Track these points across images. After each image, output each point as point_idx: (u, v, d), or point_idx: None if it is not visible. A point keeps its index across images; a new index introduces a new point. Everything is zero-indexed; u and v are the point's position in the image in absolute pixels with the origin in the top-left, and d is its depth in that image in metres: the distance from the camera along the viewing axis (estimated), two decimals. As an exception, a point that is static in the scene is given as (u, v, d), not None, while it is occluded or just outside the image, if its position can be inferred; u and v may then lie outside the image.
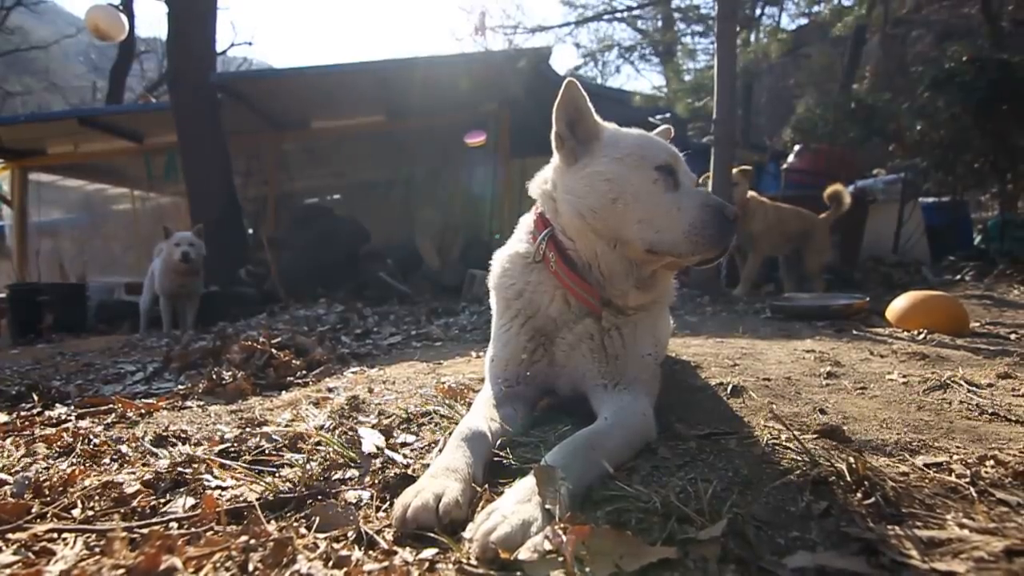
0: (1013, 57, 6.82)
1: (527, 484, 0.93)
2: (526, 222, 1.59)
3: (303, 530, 0.92)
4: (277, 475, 1.20)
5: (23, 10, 21.94)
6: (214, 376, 2.30)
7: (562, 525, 0.81)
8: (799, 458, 1.11)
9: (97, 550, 0.90)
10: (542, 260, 1.46)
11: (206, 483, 1.16)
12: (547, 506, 0.87)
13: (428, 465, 1.10)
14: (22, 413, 1.94)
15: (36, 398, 2.18)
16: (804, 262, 5.23)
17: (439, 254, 8.02)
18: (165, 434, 1.52)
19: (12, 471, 1.29)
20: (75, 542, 0.93)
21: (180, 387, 2.33)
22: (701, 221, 1.30)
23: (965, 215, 8.18)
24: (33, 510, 1.04)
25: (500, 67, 7.54)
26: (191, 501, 1.08)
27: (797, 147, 7.32)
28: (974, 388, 1.67)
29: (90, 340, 4.98)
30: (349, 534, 0.91)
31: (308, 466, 1.21)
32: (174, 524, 0.98)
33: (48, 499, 1.10)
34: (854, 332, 2.90)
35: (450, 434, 1.23)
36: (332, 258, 6.95)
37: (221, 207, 7.14)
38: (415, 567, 0.81)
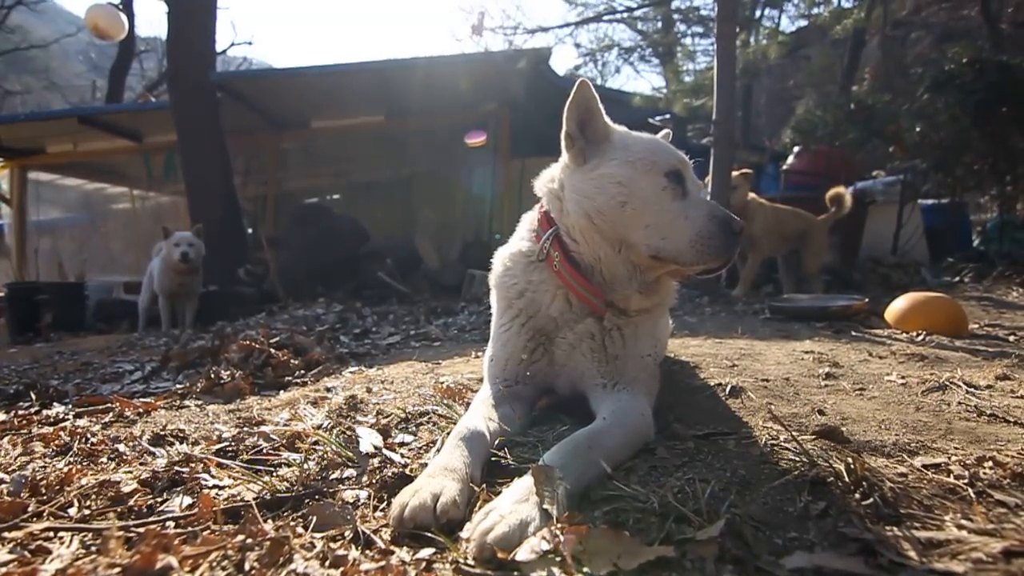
0: (1012, 59, 6.82)
1: (525, 484, 0.93)
2: (529, 220, 1.58)
3: (300, 529, 0.92)
4: (274, 474, 1.19)
5: (23, 9, 21.91)
6: (212, 375, 2.30)
7: (560, 525, 0.81)
8: (797, 459, 1.11)
9: (93, 549, 0.89)
10: (545, 259, 1.46)
11: (203, 482, 1.16)
12: (545, 506, 0.87)
13: (426, 465, 1.10)
14: (20, 412, 1.93)
15: (34, 397, 2.18)
16: (802, 263, 5.23)
17: (438, 254, 8.01)
18: (163, 433, 1.52)
19: (9, 470, 1.29)
20: (71, 541, 0.92)
21: (178, 386, 2.33)
22: (708, 232, 1.30)
23: (964, 217, 8.20)
24: (30, 509, 1.04)
25: (500, 67, 7.55)
26: (188, 500, 1.08)
27: (796, 148, 7.32)
28: (973, 389, 1.67)
29: (88, 339, 4.97)
30: (346, 533, 0.90)
31: (306, 465, 1.21)
32: (170, 523, 0.98)
33: (45, 498, 1.10)
34: (853, 333, 2.90)
35: (448, 434, 1.23)
36: (331, 258, 6.95)
37: (220, 207, 7.14)
38: (412, 567, 0.80)
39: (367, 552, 0.86)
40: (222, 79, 7.88)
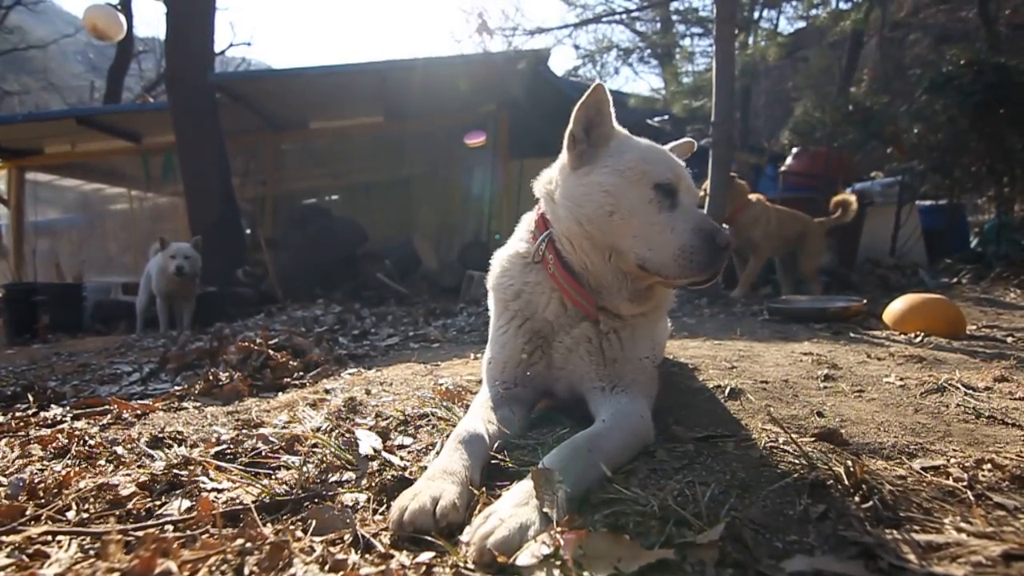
0: (1010, 61, 6.84)
1: (525, 487, 0.93)
2: (528, 220, 1.58)
3: (299, 533, 0.92)
4: (273, 477, 1.19)
5: (22, 9, 21.88)
6: (211, 377, 2.30)
7: (560, 529, 0.81)
8: (797, 461, 1.11)
9: (92, 553, 0.89)
10: (541, 261, 1.45)
11: (202, 485, 1.16)
12: (545, 509, 0.87)
13: (425, 467, 1.10)
14: (17, 414, 1.93)
15: (32, 399, 2.17)
16: (799, 264, 5.24)
17: (437, 255, 8.02)
18: (161, 435, 1.51)
19: (7, 473, 1.28)
20: (69, 545, 0.92)
21: (176, 388, 2.32)
22: (691, 246, 1.28)
23: (962, 218, 8.22)
24: (27, 512, 1.04)
25: (499, 68, 7.55)
26: (187, 503, 1.07)
27: (795, 149, 7.33)
28: (971, 391, 1.67)
29: (86, 340, 4.97)
30: (346, 537, 0.90)
31: (305, 468, 1.21)
32: (169, 527, 0.98)
33: (43, 501, 1.10)
34: (851, 335, 2.90)
35: (447, 436, 1.22)
36: (330, 259, 6.94)
37: (219, 207, 7.13)
38: (412, 571, 0.80)
39: (367, 556, 0.86)
40: (221, 80, 7.87)
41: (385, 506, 1.02)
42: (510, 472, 1.12)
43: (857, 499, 0.95)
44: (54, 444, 1.48)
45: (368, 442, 1.32)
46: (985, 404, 1.54)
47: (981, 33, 10.32)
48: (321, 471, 1.20)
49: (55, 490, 1.14)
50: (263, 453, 1.33)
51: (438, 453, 1.20)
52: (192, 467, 1.25)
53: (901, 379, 1.83)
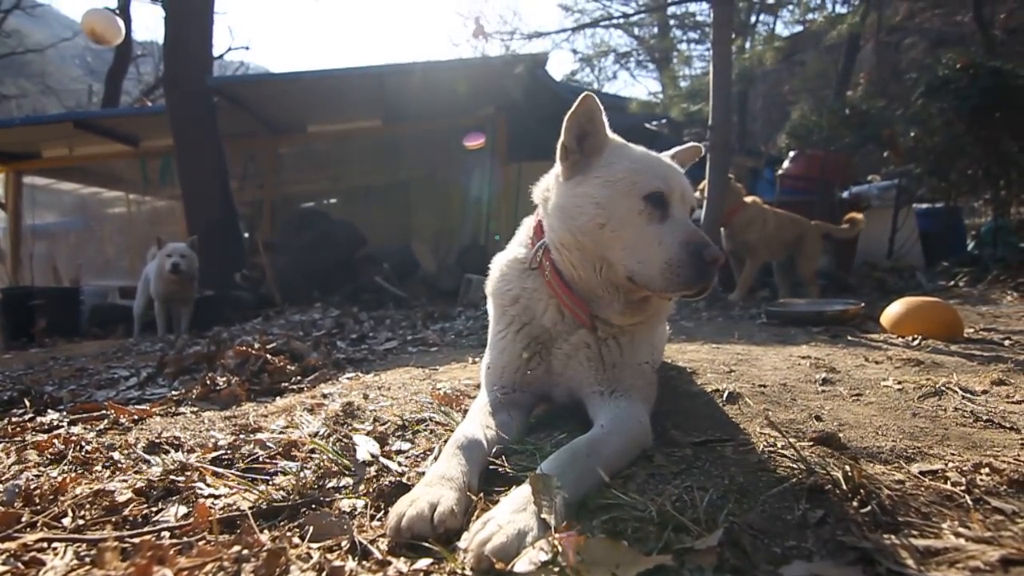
0: (1006, 64, 6.88)
1: (523, 493, 0.93)
2: (528, 225, 1.58)
3: (296, 539, 0.91)
4: (271, 483, 1.19)
5: (20, 13, 21.91)
6: (208, 382, 2.29)
7: (558, 535, 0.80)
8: (795, 466, 1.11)
9: (88, 560, 0.89)
10: (538, 267, 1.46)
11: (199, 491, 1.15)
12: (543, 515, 0.87)
13: (423, 473, 1.10)
14: (13, 419, 1.92)
15: (28, 404, 2.16)
16: (797, 267, 5.25)
17: (435, 258, 8.01)
18: (158, 441, 1.51)
19: (2, 478, 1.28)
20: (65, 552, 0.92)
21: (174, 393, 2.31)
22: (678, 260, 1.25)
23: (959, 221, 8.24)
24: (23, 519, 1.03)
25: (497, 72, 7.56)
26: (183, 510, 1.07)
27: (792, 153, 7.35)
28: (969, 395, 1.67)
29: (84, 344, 4.95)
30: (343, 544, 0.90)
31: (302, 474, 1.20)
32: (166, 533, 0.97)
33: (38, 507, 1.09)
34: (849, 338, 2.90)
35: (445, 441, 1.22)
36: (328, 262, 6.94)
37: (217, 211, 7.12)
38: (409, 577, 0.80)
39: (364, 563, 0.85)
40: (219, 84, 7.88)
41: (383, 512, 1.01)
42: (508, 477, 1.11)
43: (855, 504, 0.95)
44: (50, 449, 1.47)
45: (366, 447, 1.32)
46: (983, 408, 1.54)
47: (977, 37, 10.38)
48: (318, 477, 1.19)
49: (51, 496, 1.13)
50: (260, 458, 1.33)
51: (436, 458, 1.20)
52: (189, 473, 1.24)
53: (899, 382, 1.84)
